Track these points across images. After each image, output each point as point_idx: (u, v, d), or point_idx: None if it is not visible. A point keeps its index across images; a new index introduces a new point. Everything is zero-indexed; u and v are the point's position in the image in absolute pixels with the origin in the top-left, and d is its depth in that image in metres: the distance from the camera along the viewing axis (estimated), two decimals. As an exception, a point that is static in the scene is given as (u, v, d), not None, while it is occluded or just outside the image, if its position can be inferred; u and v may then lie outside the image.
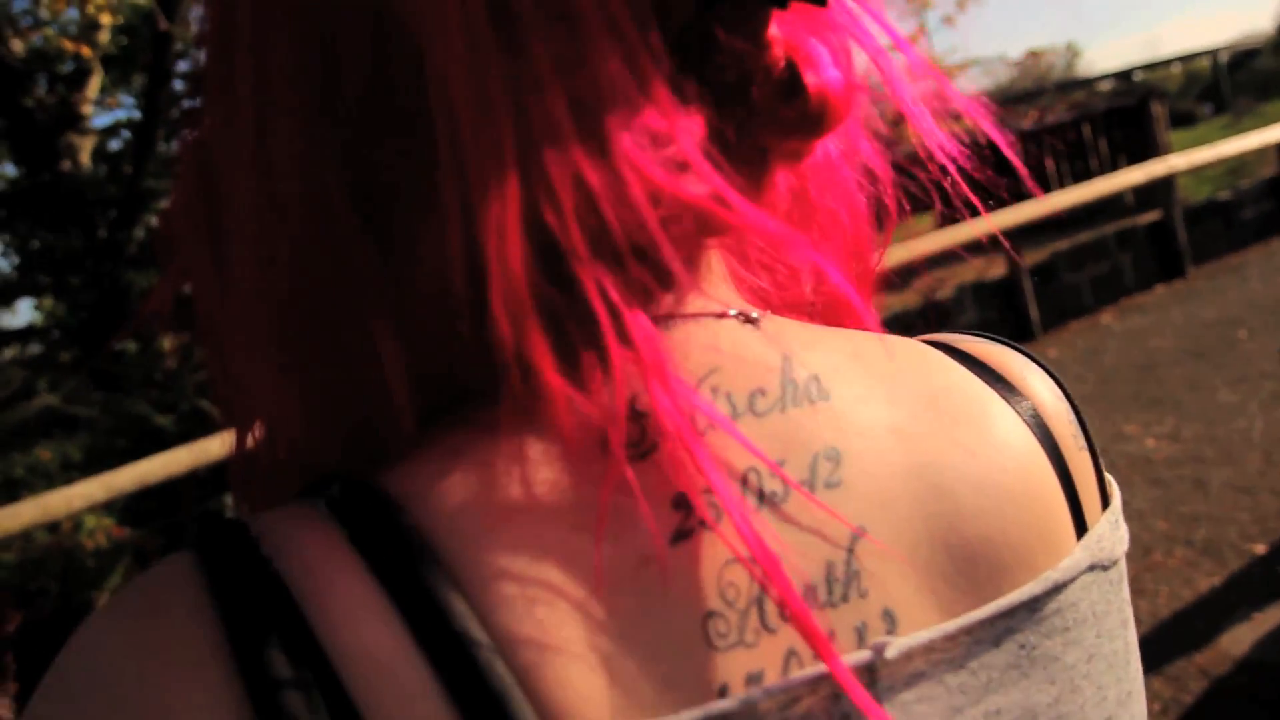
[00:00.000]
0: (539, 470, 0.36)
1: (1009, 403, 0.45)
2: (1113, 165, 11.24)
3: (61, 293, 7.53)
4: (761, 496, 0.37)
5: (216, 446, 3.89)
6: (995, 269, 7.95)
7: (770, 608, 0.36)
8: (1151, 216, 8.56)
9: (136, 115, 8.08)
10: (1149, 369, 6.14)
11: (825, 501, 0.38)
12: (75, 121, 7.44)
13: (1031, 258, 8.00)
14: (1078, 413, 0.49)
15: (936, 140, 0.44)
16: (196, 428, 5.19)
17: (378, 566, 0.33)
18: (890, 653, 0.37)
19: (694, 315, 0.41)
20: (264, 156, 0.38)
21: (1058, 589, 0.41)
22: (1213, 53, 23.60)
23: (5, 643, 4.38)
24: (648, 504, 0.35)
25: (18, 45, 7.19)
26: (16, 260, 8.17)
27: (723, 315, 0.42)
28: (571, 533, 0.35)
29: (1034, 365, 0.49)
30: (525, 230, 0.34)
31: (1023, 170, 0.46)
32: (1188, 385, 5.67)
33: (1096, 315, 7.97)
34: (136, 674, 0.32)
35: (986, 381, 0.46)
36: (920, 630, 0.38)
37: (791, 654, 0.36)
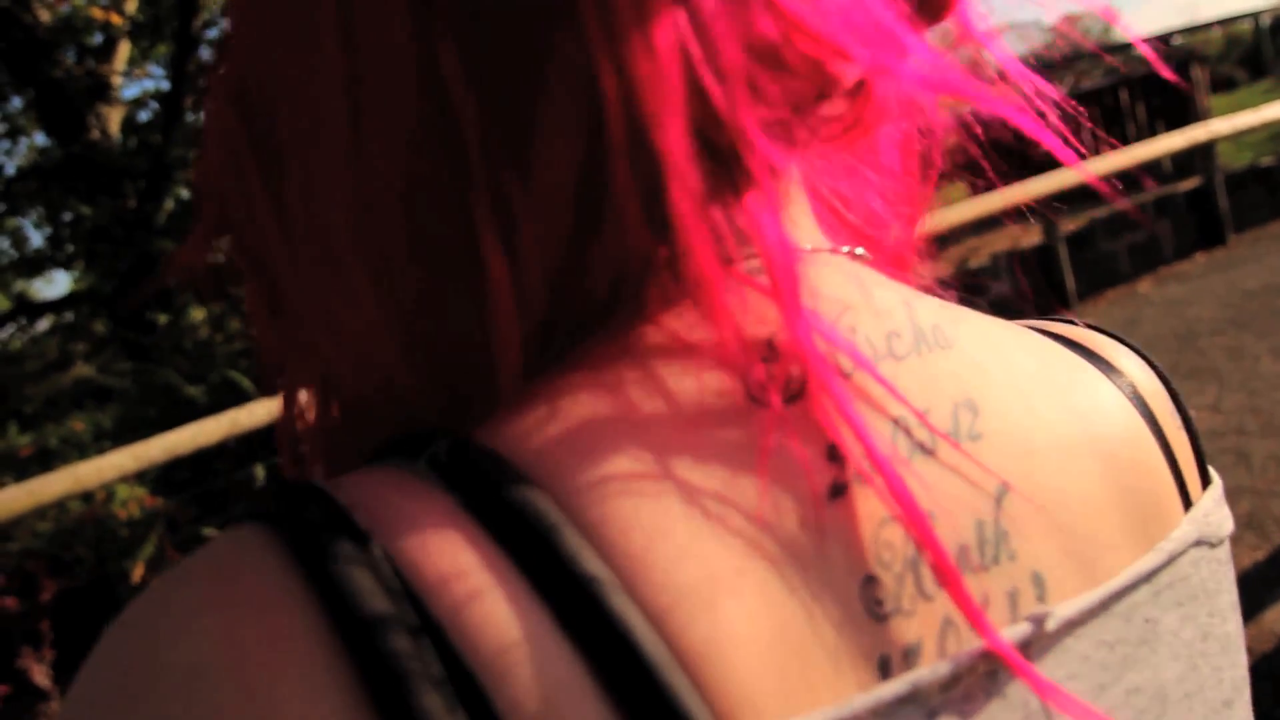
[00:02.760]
0: (678, 421, 0.32)
1: (1109, 378, 0.43)
2: (1151, 131, 11.03)
3: (92, 263, 7.59)
4: (912, 448, 0.34)
5: (246, 417, 3.90)
6: (1031, 237, 7.82)
7: (926, 571, 0.33)
8: (1191, 183, 8.39)
9: (164, 86, 8.10)
10: (1189, 339, 6.02)
11: (973, 453, 0.35)
12: (104, 92, 7.45)
13: (1068, 225, 7.86)
14: (1176, 397, 0.46)
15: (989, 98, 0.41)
16: (227, 398, 5.20)
17: (507, 541, 0.28)
18: (1050, 624, 0.34)
19: (812, 250, 0.38)
20: (353, 43, 0.33)
21: (1171, 561, 0.39)
22: (1254, 15, 23.09)
23: (41, 610, 4.43)
24: (802, 455, 0.32)
25: (45, 15, 7.20)
26: (48, 230, 8.24)
27: (835, 251, 0.39)
28: (727, 494, 0.31)
29: (1127, 348, 0.47)
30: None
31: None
32: (1229, 355, 5.55)
33: (1134, 284, 7.84)
34: (228, 670, 0.26)
35: (1082, 358, 0.44)
36: (1067, 597, 0.36)
37: (948, 624, 0.33)
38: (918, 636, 0.32)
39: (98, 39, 7.54)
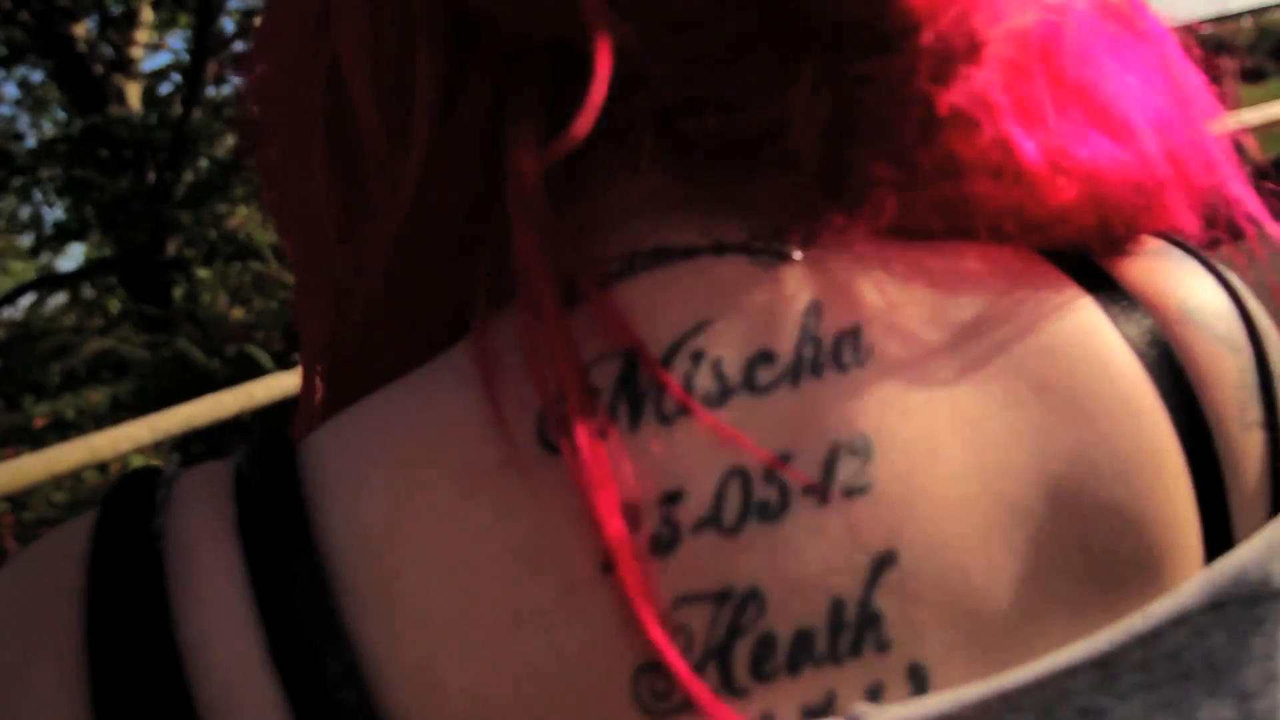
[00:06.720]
0: (463, 457, 0.30)
1: (1117, 326, 0.33)
2: (1178, 121, 10.87)
3: (110, 234, 7.61)
4: (746, 509, 0.28)
5: (262, 391, 3.89)
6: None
7: (743, 660, 0.28)
8: (1218, 174, 8.28)
9: (185, 58, 8.09)
10: (1212, 332, 5.94)
11: (848, 511, 0.29)
12: (125, 65, 7.46)
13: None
14: (1265, 371, 0.35)
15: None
16: (243, 371, 5.20)
17: (260, 577, 0.28)
18: None
19: (681, 251, 0.32)
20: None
21: (1156, 633, 0.29)
22: (1286, 6, 22.80)
23: (55, 580, 4.46)
24: (580, 518, 0.28)
25: (68, -15, 7.19)
26: (68, 202, 8.27)
27: (724, 248, 0.32)
28: (488, 563, 0.28)
29: (1198, 269, 0.37)
30: None
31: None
32: (1254, 349, 5.48)
33: (1157, 276, 7.76)
34: None
35: (1100, 302, 0.33)
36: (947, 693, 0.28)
37: None
38: None
39: (118, 10, 7.53)
